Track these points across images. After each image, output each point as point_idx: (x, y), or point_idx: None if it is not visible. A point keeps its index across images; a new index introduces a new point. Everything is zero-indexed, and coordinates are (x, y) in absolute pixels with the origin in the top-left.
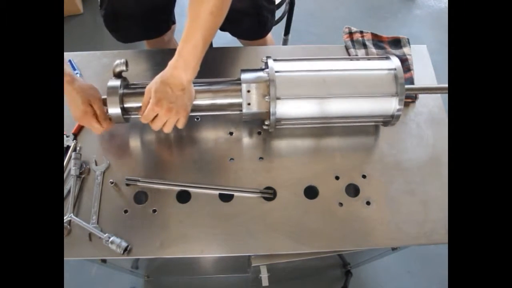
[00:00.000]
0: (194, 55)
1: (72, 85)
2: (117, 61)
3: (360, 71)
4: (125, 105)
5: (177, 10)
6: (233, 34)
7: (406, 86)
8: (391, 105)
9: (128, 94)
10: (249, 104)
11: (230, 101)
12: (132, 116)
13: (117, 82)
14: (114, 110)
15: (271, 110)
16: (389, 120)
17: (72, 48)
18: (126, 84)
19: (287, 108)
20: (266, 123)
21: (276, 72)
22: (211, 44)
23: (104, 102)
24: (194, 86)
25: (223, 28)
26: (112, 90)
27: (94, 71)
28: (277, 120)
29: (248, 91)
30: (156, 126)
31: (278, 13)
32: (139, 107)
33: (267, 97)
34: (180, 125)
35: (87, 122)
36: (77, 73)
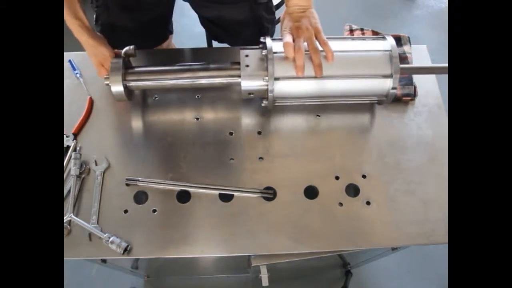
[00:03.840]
0: None
1: (88, 48)
2: (126, 48)
3: (356, 50)
4: (127, 78)
5: (174, 18)
6: (233, 45)
7: (401, 66)
8: (386, 82)
9: (131, 72)
10: (247, 66)
11: (229, 73)
12: (132, 84)
13: (119, 60)
14: (116, 88)
15: (269, 93)
16: (385, 96)
17: (72, 48)
18: (128, 63)
19: (284, 69)
20: (264, 103)
21: (273, 40)
22: (211, 44)
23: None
24: (191, 65)
25: (222, 40)
26: (114, 67)
27: (94, 71)
28: (275, 79)
29: (246, 56)
30: (297, 48)
31: (278, 13)
32: (142, 79)
33: (264, 51)
34: (322, 41)
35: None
36: (77, 73)
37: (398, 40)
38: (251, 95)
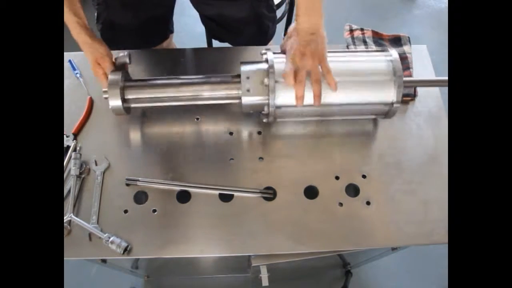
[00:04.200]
0: None
1: (85, 46)
2: (121, 54)
3: (359, 63)
4: (126, 97)
5: (175, 17)
6: (234, 44)
7: (404, 79)
8: (389, 96)
9: (129, 86)
10: (248, 90)
11: (229, 91)
12: (132, 105)
13: (118, 74)
14: (115, 102)
15: (270, 108)
16: (388, 111)
17: (72, 48)
18: (127, 76)
19: (286, 98)
20: (265, 111)
21: (275, 57)
22: (211, 44)
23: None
24: (191, 79)
25: (223, 39)
26: (113, 82)
27: None
28: (276, 107)
29: (248, 78)
30: (299, 80)
31: (278, 13)
32: (140, 98)
33: (266, 79)
34: (325, 70)
35: (99, 78)
36: (77, 73)
37: (398, 40)
38: (252, 111)
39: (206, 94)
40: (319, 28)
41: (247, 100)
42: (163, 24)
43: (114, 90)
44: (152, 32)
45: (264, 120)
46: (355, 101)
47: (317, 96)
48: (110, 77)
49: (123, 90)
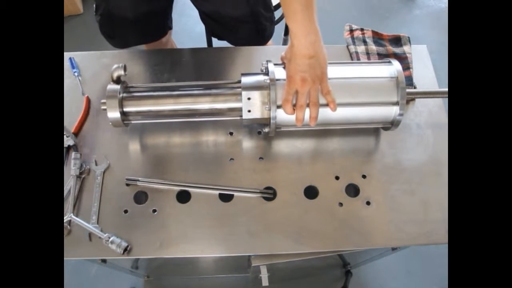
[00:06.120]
0: (304, 15)
1: None
2: (115, 66)
3: (361, 77)
4: (125, 109)
5: (174, 17)
6: (231, 43)
7: (408, 90)
8: (392, 110)
9: (128, 98)
10: (249, 111)
11: (230, 105)
12: (132, 122)
13: (116, 87)
14: (113, 114)
15: (271, 120)
16: (390, 124)
17: (72, 48)
18: (125, 87)
19: (287, 117)
20: (266, 130)
21: (277, 80)
22: (211, 44)
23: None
24: (193, 90)
25: (221, 37)
26: (111, 94)
27: (94, 71)
28: (277, 127)
29: (249, 99)
30: (300, 105)
31: (278, 13)
32: (139, 111)
33: (266, 106)
34: (325, 91)
35: None
36: (75, 72)
37: (398, 40)
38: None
39: (206, 107)
40: (318, 47)
41: (248, 116)
42: (162, 19)
43: (112, 102)
44: (151, 26)
45: (265, 130)
46: (356, 120)
47: (313, 118)
48: (109, 88)
49: (121, 102)
